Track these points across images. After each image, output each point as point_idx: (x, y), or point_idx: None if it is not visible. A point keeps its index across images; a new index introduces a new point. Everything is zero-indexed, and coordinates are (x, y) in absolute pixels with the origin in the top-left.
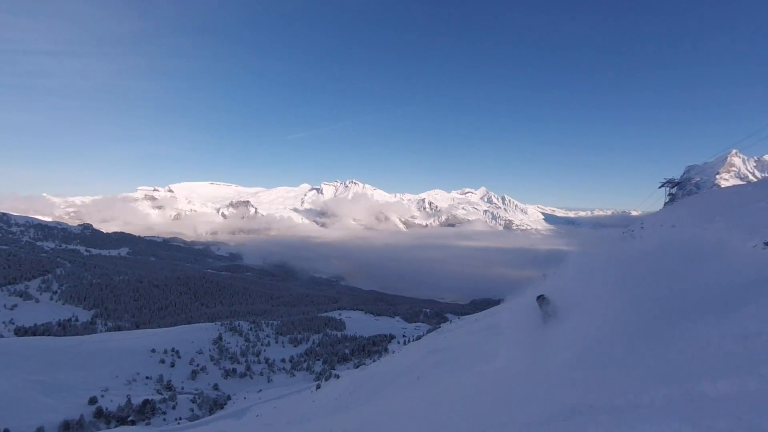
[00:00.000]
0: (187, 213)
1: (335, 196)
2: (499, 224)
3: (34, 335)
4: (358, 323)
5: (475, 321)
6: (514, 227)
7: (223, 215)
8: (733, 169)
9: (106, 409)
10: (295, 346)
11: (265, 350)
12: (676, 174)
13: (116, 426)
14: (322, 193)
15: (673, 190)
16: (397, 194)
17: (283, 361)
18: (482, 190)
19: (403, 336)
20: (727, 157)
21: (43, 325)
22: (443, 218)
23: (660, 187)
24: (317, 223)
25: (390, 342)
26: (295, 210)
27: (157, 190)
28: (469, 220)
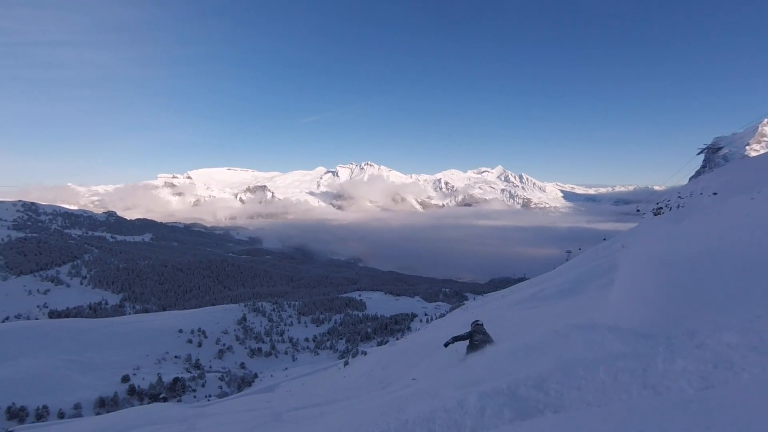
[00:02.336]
0: (206, 199)
1: (351, 179)
2: (517, 203)
3: (67, 318)
4: (379, 303)
5: (502, 297)
6: (533, 206)
7: (241, 200)
8: (765, 139)
9: (138, 386)
10: (317, 326)
11: (288, 330)
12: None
13: (149, 402)
14: (337, 176)
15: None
16: (413, 175)
17: (306, 340)
18: (499, 169)
19: (425, 315)
20: (758, 127)
21: (74, 308)
22: (460, 198)
23: (698, 154)
24: (333, 205)
25: (412, 321)
26: (311, 193)
27: (176, 177)
28: (486, 199)
